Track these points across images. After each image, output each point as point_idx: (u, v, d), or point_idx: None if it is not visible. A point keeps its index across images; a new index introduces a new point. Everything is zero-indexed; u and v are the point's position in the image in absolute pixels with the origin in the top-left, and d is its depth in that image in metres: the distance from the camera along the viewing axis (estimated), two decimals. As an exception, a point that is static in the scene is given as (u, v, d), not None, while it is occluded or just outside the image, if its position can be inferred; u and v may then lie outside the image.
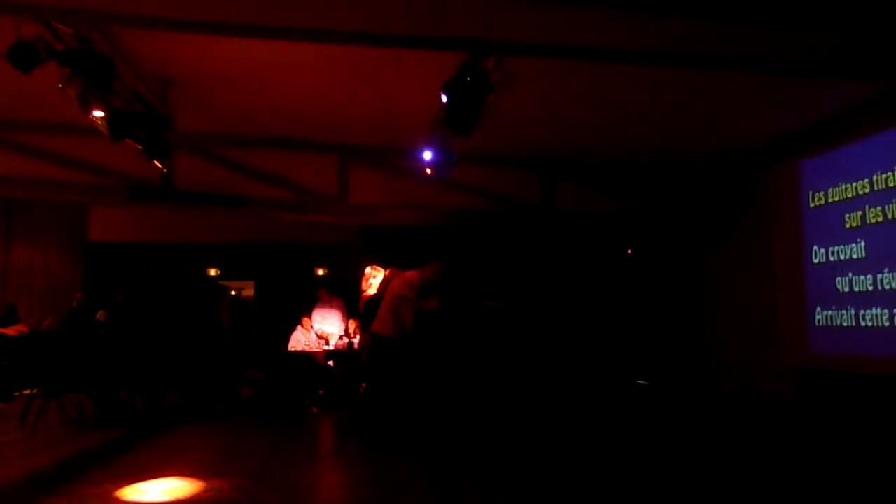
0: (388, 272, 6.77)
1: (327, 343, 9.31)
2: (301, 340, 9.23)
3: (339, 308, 9.66)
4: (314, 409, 8.39)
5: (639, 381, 10.12)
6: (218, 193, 8.03)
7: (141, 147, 6.13)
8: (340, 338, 9.45)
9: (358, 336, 9.07)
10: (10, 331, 8.74)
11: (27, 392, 7.33)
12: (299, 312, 9.54)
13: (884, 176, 6.58)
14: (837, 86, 6.29)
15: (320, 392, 8.76)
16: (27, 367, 7.75)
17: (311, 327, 9.41)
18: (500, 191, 8.80)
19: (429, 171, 7.25)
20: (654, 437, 6.76)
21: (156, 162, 6.55)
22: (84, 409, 7.20)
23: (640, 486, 4.82)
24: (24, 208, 11.12)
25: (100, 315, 9.49)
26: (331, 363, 9.09)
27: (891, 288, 6.45)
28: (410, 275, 6.48)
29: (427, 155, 7.03)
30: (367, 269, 7.07)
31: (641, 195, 9.02)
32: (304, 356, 9.02)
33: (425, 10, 4.61)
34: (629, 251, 11.08)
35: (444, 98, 5.34)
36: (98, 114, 5.40)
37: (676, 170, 8.98)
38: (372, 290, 6.86)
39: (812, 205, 7.56)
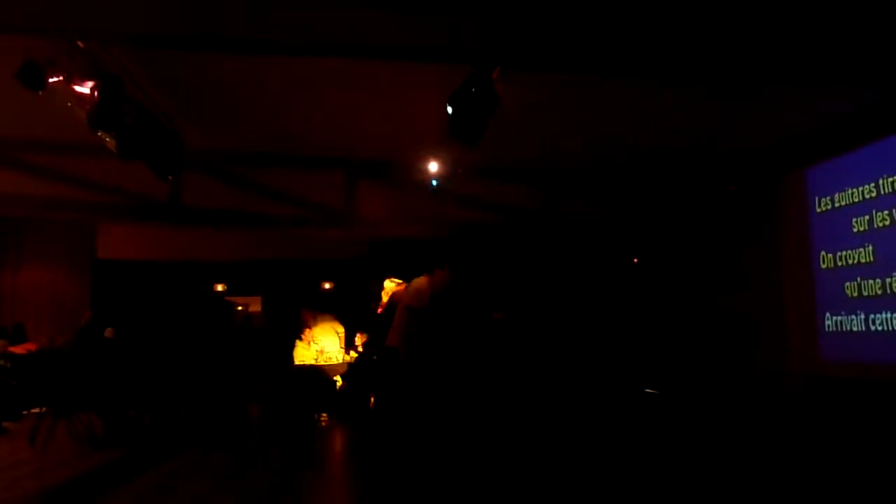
0: (401, 287, 6.71)
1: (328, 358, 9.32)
2: (306, 355, 9.24)
3: (329, 324, 9.62)
4: (323, 423, 8.38)
5: (648, 390, 10.07)
6: (226, 211, 8.07)
7: (149, 166, 6.18)
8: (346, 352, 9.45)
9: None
10: (19, 349, 8.76)
11: (36, 411, 7.34)
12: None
13: (889, 180, 6.57)
14: (840, 92, 6.30)
15: (329, 405, 8.76)
16: (36, 386, 7.76)
17: (311, 341, 9.41)
18: (505, 202, 8.82)
19: (434, 183, 7.28)
20: (664, 447, 6.71)
21: (165, 179, 6.59)
22: (93, 427, 7.20)
23: (649, 496, 4.79)
24: (32, 227, 11.19)
25: (108, 332, 9.50)
26: (337, 378, 9.09)
27: (900, 292, 6.42)
28: (420, 284, 6.42)
29: (433, 167, 7.06)
30: (387, 283, 6.97)
31: (647, 205, 9.03)
32: (312, 370, 9.03)
33: (426, 21, 4.63)
34: (635, 260, 11.06)
35: (449, 110, 5.37)
36: (107, 133, 5.45)
37: (682, 179, 8.98)
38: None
39: (819, 210, 7.55)
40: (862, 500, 4.55)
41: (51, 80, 4.64)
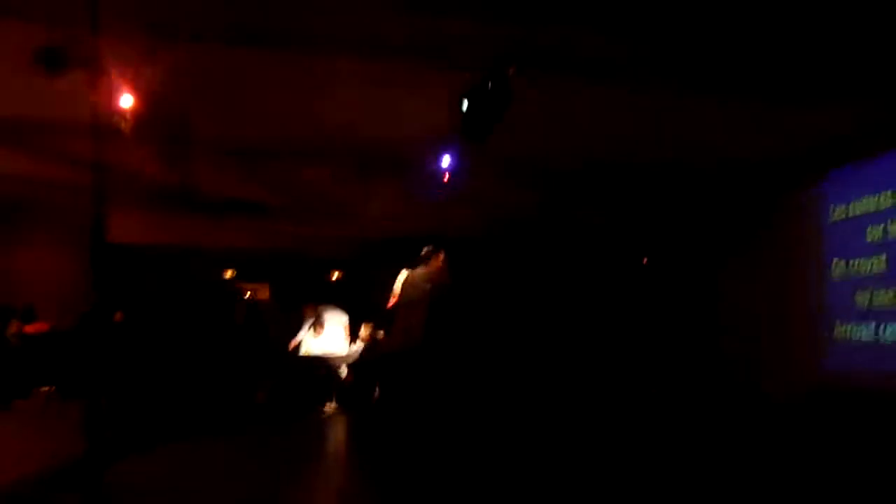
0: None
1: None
2: (311, 345, 9.25)
3: (333, 315, 9.53)
4: (326, 411, 8.41)
5: (653, 391, 10.04)
6: (235, 200, 8.05)
7: (161, 152, 6.18)
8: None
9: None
10: (29, 328, 8.83)
11: (45, 389, 7.38)
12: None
13: (907, 189, 6.51)
14: (855, 102, 6.22)
15: (333, 395, 8.78)
16: (44, 366, 7.81)
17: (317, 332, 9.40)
18: (512, 202, 8.76)
19: (445, 180, 7.26)
20: (667, 452, 6.70)
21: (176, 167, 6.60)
22: (99, 411, 7.20)
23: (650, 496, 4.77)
24: (40, 210, 11.19)
25: (117, 316, 9.52)
26: (343, 368, 9.11)
27: (913, 302, 6.37)
28: (419, 276, 6.31)
29: (444, 163, 7.05)
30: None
31: (658, 208, 8.96)
32: (317, 360, 9.04)
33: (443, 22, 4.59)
34: (644, 260, 11.00)
35: (463, 105, 5.35)
36: (120, 116, 5.46)
37: (695, 184, 8.90)
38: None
39: (832, 219, 7.48)
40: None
41: (67, 63, 4.63)
